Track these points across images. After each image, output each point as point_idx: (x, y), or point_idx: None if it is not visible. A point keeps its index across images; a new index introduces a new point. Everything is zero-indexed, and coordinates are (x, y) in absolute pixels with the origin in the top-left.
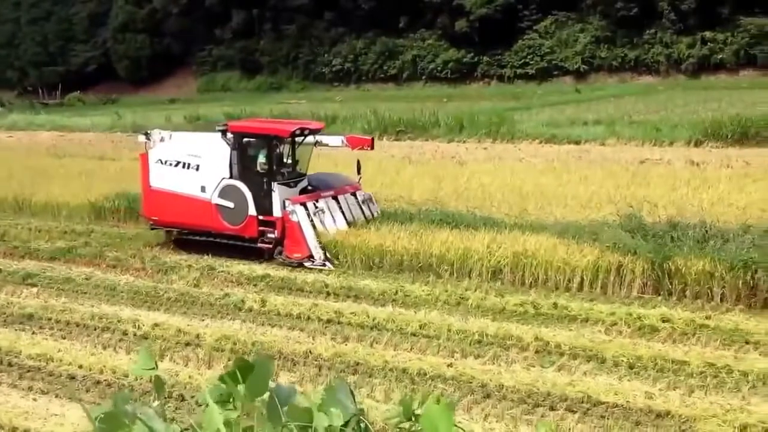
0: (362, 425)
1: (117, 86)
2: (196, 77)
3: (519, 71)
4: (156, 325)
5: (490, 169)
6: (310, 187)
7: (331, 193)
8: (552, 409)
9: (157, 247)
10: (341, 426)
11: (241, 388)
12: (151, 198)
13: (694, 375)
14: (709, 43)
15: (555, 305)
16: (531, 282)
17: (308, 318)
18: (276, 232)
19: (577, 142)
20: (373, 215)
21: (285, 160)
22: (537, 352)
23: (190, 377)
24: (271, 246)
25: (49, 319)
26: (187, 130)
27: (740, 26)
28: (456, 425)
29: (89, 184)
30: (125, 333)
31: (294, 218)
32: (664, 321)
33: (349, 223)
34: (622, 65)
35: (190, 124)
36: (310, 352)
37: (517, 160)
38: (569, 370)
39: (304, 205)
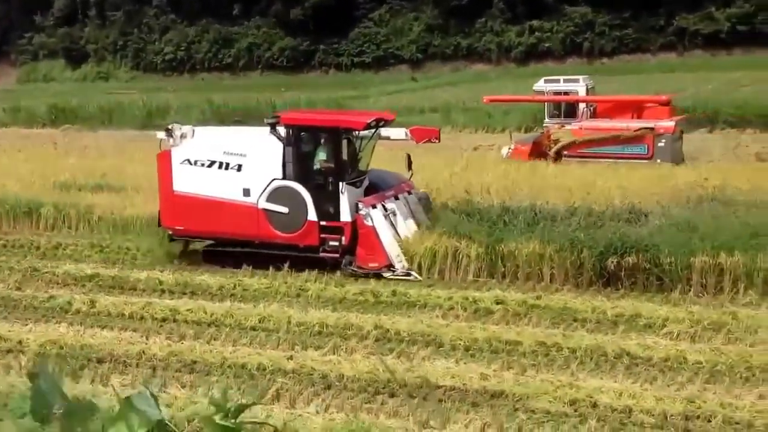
0: (167, 430)
1: None
2: (16, 67)
3: (356, 59)
4: None
5: None
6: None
7: (392, 192)
8: (392, 396)
9: None
10: None
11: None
12: (174, 204)
13: (527, 354)
14: (536, 32)
15: (394, 292)
16: None
17: (141, 317)
18: (344, 239)
19: None
20: (429, 216)
21: (358, 156)
22: (377, 340)
23: (12, 386)
24: (337, 255)
25: None
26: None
27: (565, 15)
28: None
29: None
30: None
31: (368, 223)
32: (498, 303)
33: (418, 225)
34: (455, 53)
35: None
36: (143, 352)
37: None
38: (408, 356)
39: (374, 207)
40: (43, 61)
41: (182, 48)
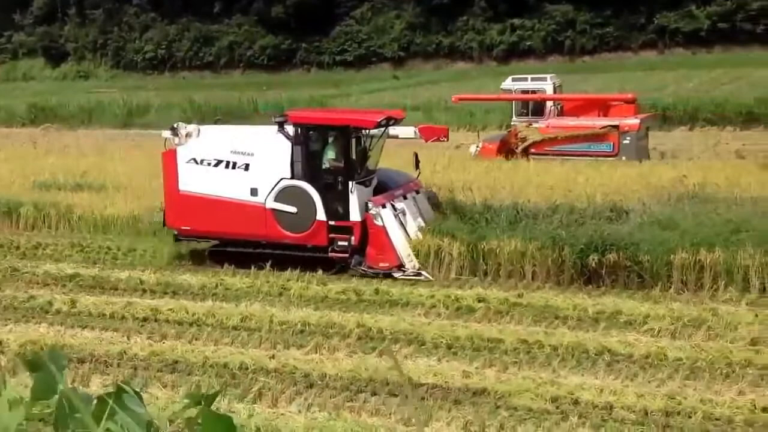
0: (152, 429)
1: None
2: None
3: (338, 58)
4: None
5: None
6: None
7: (401, 191)
8: (374, 394)
9: None
10: None
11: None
12: (179, 204)
13: (508, 352)
14: (518, 30)
15: (376, 291)
16: None
17: (122, 317)
18: (353, 238)
19: None
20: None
21: (369, 154)
22: (359, 338)
23: None
24: (346, 255)
25: None
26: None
27: (547, 13)
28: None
29: None
30: None
31: (378, 222)
32: (479, 301)
33: (427, 225)
34: (437, 51)
35: None
36: (124, 352)
37: None
38: (391, 355)
39: (384, 206)
40: (22, 60)
41: (163, 46)
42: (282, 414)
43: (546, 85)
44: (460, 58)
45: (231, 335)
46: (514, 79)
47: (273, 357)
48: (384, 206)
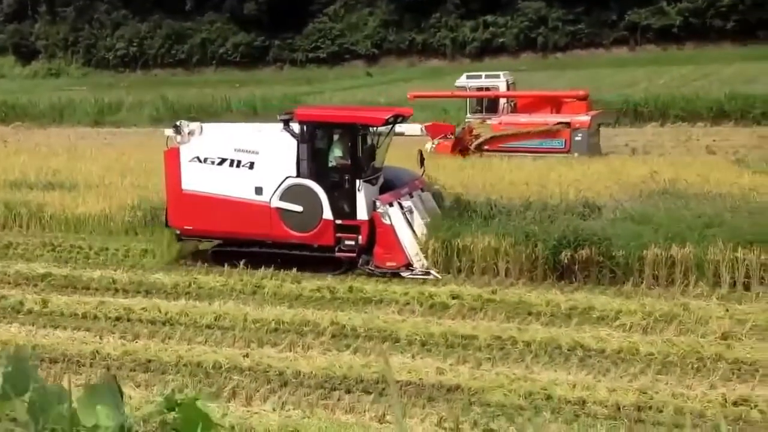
0: (126, 425)
1: None
2: None
3: (311, 55)
4: None
5: None
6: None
7: (407, 190)
8: (348, 392)
9: None
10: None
11: None
12: (182, 203)
13: (482, 348)
14: (490, 27)
15: (350, 289)
16: None
17: (95, 317)
18: (361, 238)
19: None
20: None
21: (376, 152)
22: (333, 336)
23: None
24: (354, 255)
25: None
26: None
27: (519, 10)
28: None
29: None
30: None
31: (386, 221)
32: (453, 298)
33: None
34: (410, 49)
35: None
36: (97, 352)
37: None
38: (365, 352)
39: (391, 204)
40: None
41: (134, 44)
42: (256, 412)
43: (499, 83)
44: (433, 55)
45: (204, 334)
46: (468, 77)
47: (247, 355)
48: (391, 205)
